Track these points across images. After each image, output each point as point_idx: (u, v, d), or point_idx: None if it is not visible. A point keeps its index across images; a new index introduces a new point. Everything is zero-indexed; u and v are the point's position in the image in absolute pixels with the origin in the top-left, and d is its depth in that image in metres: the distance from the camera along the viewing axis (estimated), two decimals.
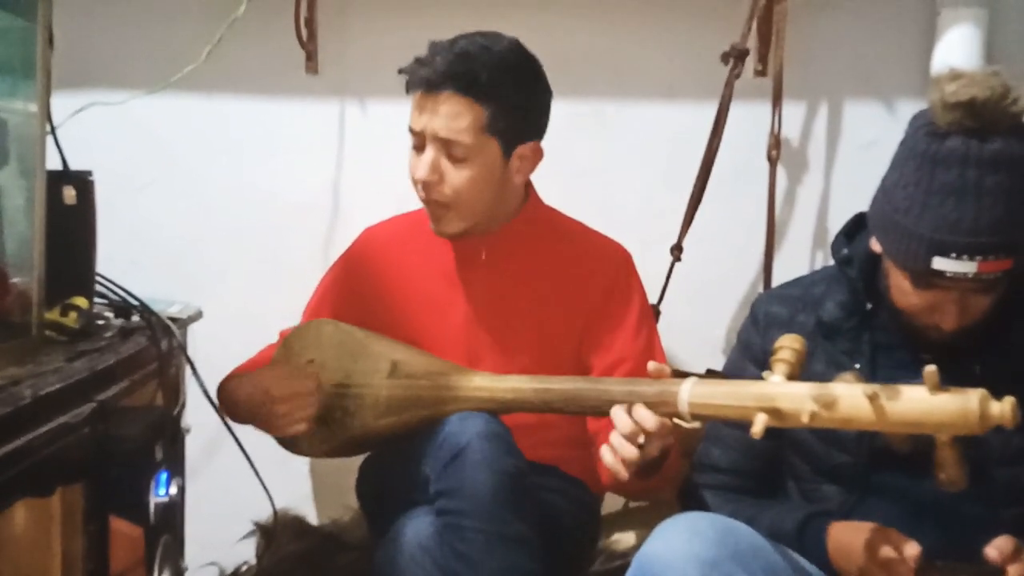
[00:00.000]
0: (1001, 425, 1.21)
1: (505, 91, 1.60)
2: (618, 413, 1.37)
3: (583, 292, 1.71)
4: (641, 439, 1.35)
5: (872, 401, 1.24)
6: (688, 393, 1.35)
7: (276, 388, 1.57)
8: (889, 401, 1.24)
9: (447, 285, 1.72)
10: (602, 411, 1.43)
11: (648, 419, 1.35)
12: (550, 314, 1.70)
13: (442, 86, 1.58)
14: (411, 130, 1.63)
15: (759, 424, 1.27)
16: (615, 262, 1.74)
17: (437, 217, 1.66)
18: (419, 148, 1.63)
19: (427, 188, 1.63)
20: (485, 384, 1.53)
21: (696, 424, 1.36)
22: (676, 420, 1.37)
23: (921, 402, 1.23)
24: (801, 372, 1.32)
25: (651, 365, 1.40)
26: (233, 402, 1.64)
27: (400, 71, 1.63)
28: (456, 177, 1.61)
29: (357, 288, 1.77)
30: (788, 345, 1.33)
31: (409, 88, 1.62)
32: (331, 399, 1.58)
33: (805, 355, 1.33)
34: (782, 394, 1.29)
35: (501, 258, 1.71)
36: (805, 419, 1.27)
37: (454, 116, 1.58)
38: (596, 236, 1.77)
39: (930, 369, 1.22)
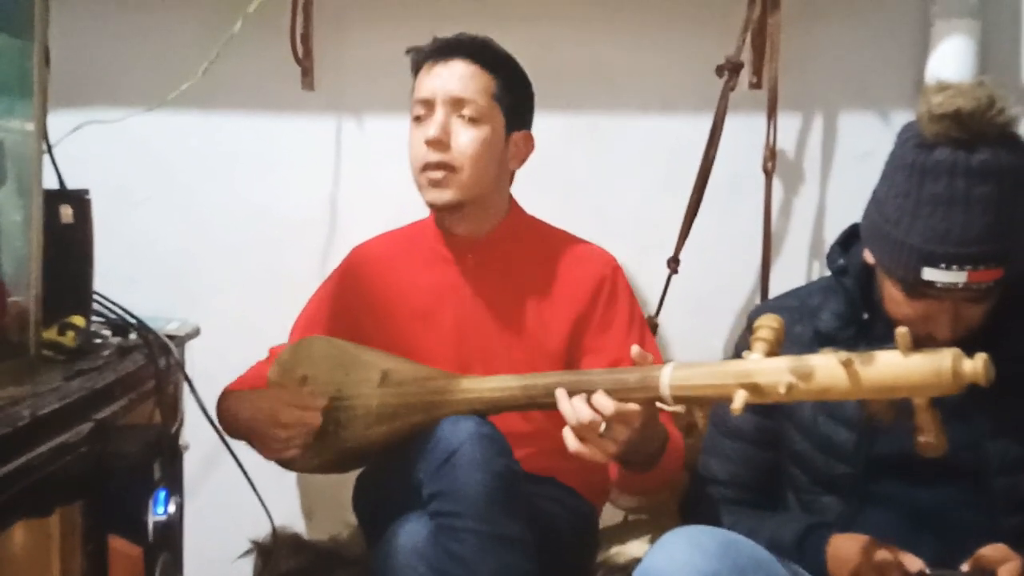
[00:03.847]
0: (974, 383, 1.21)
1: (509, 69, 1.70)
2: (565, 403, 1.39)
3: (571, 297, 1.72)
4: (602, 427, 1.36)
5: (847, 367, 1.24)
6: (669, 376, 1.36)
7: (283, 414, 1.57)
8: (863, 366, 1.24)
9: (436, 298, 1.73)
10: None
11: (607, 405, 1.36)
12: (539, 321, 1.71)
13: (455, 53, 1.66)
14: (418, 101, 1.67)
15: (739, 400, 1.28)
16: (600, 266, 1.75)
17: (437, 182, 1.67)
18: (424, 118, 1.67)
19: (436, 147, 1.65)
20: (472, 385, 1.54)
21: (679, 408, 1.38)
22: (660, 404, 1.39)
23: (895, 365, 1.24)
24: (780, 350, 1.33)
25: (634, 350, 1.41)
26: (234, 419, 1.65)
27: (408, 51, 1.70)
28: (466, 137, 1.65)
29: (348, 305, 1.78)
30: (766, 324, 1.34)
31: (419, 63, 1.69)
32: (324, 413, 1.58)
33: (783, 333, 1.34)
34: (760, 369, 1.30)
35: (488, 267, 1.72)
36: (783, 390, 1.27)
37: (469, 77, 1.66)
38: (581, 242, 1.79)
39: (902, 330, 1.23)
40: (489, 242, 1.73)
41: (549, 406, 1.48)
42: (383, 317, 1.74)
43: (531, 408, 1.52)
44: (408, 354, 1.66)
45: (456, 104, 1.65)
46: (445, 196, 1.67)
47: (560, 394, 1.40)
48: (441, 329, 1.71)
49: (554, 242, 1.78)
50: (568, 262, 1.75)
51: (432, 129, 1.64)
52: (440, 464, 1.43)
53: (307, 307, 1.84)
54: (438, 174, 1.65)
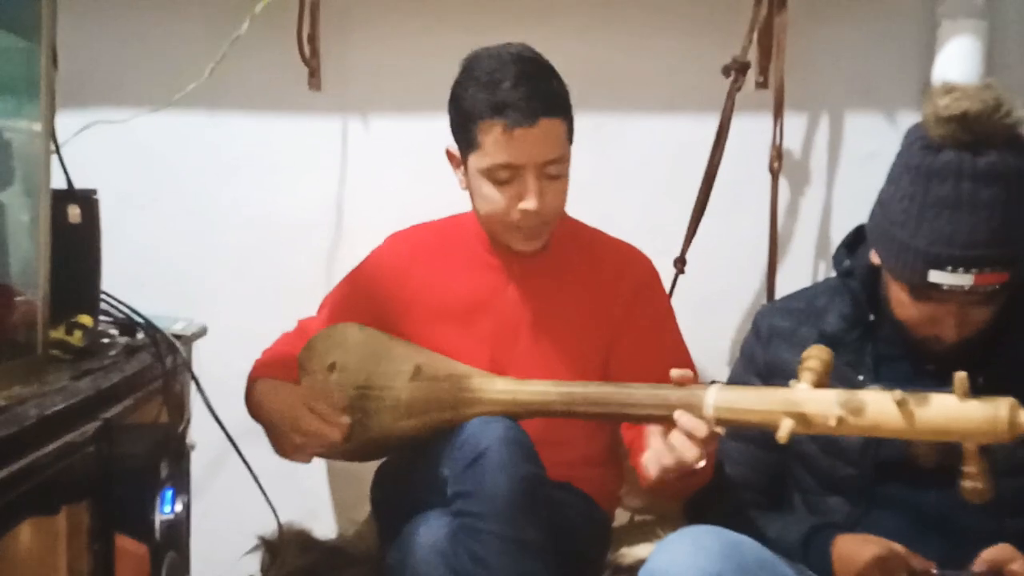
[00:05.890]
0: None
1: (568, 97, 1.65)
2: (682, 416, 1.37)
3: (609, 302, 1.71)
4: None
5: (900, 407, 1.23)
6: (714, 398, 1.35)
7: (304, 421, 1.57)
8: (918, 407, 1.23)
9: (476, 302, 1.72)
10: (626, 415, 1.45)
11: (699, 428, 1.35)
12: (577, 327, 1.71)
13: (539, 115, 1.58)
14: (502, 165, 1.59)
15: (784, 429, 1.27)
16: (639, 272, 1.75)
17: (531, 236, 1.66)
18: (507, 181, 1.60)
19: (533, 215, 1.61)
20: (508, 387, 1.53)
21: (720, 430, 1.36)
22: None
23: (950, 409, 1.23)
24: (828, 382, 1.32)
25: (674, 373, 1.40)
26: (259, 407, 1.65)
27: (471, 103, 1.60)
28: (555, 194, 1.64)
29: (377, 296, 1.76)
30: (815, 355, 1.33)
31: (487, 117, 1.58)
32: (352, 401, 1.58)
33: (832, 366, 1.33)
34: (809, 399, 1.29)
35: (532, 274, 1.72)
36: (832, 423, 1.26)
37: (555, 139, 1.61)
38: (618, 245, 1.79)
39: (960, 375, 1.22)
40: (536, 250, 1.72)
41: (585, 415, 1.48)
42: (414, 316, 1.73)
43: (566, 416, 1.50)
44: (439, 351, 1.65)
45: (544, 166, 1.60)
46: (535, 245, 1.68)
47: (679, 413, 1.38)
48: (476, 335, 1.70)
49: (594, 246, 1.77)
50: (607, 268, 1.74)
51: (533, 201, 1.60)
52: (467, 464, 1.43)
53: (336, 291, 1.83)
54: (530, 232, 1.65)
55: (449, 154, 1.70)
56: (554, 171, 1.62)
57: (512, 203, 1.61)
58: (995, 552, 1.36)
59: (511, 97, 1.57)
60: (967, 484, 1.25)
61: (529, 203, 1.60)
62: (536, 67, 1.62)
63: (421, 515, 1.50)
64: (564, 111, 1.63)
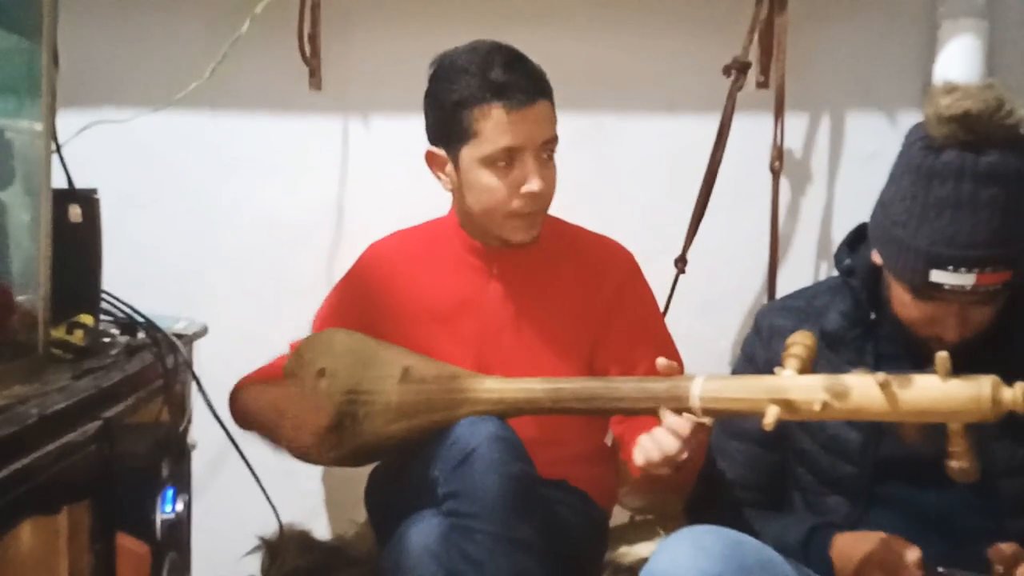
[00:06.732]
0: (1014, 411, 1.20)
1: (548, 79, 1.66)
2: (668, 416, 1.37)
3: (593, 298, 1.72)
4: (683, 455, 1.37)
5: (884, 389, 1.24)
6: (700, 388, 1.35)
7: (289, 409, 1.57)
8: (901, 389, 1.24)
9: (459, 304, 1.72)
10: (613, 409, 1.46)
11: (683, 427, 1.36)
12: (561, 323, 1.71)
13: (536, 96, 1.60)
14: (503, 149, 1.59)
15: (771, 416, 1.27)
16: (621, 265, 1.76)
17: (531, 224, 1.66)
18: (507, 166, 1.60)
19: (537, 198, 1.62)
20: (496, 386, 1.53)
21: (707, 420, 1.36)
22: (686, 416, 1.37)
23: (933, 389, 1.23)
24: (812, 368, 1.32)
25: (660, 362, 1.40)
26: (244, 411, 1.65)
27: (462, 92, 1.59)
28: (550, 175, 1.65)
29: (364, 305, 1.76)
30: (800, 341, 1.33)
31: (489, 103, 1.58)
32: (342, 406, 1.58)
33: (816, 351, 1.33)
34: (794, 386, 1.29)
35: (512, 274, 1.72)
36: (817, 408, 1.26)
37: (550, 119, 1.63)
38: (598, 239, 1.79)
39: (942, 355, 1.22)
40: (514, 248, 1.71)
41: (572, 411, 1.48)
42: (401, 320, 1.73)
43: (554, 412, 1.51)
44: (427, 355, 1.65)
45: (542, 148, 1.61)
46: (534, 233, 1.67)
47: (665, 413, 1.38)
48: (461, 336, 1.70)
49: (574, 242, 1.77)
50: (588, 263, 1.74)
51: (536, 183, 1.60)
52: (457, 464, 1.43)
53: (324, 304, 1.83)
54: (531, 219, 1.65)
55: (431, 156, 1.68)
56: (550, 151, 1.63)
57: (513, 189, 1.61)
58: (1010, 546, 1.35)
59: (508, 79, 1.58)
60: (953, 464, 1.25)
61: (533, 184, 1.60)
62: (517, 53, 1.64)
63: (413, 517, 1.50)
64: (551, 93, 1.65)
